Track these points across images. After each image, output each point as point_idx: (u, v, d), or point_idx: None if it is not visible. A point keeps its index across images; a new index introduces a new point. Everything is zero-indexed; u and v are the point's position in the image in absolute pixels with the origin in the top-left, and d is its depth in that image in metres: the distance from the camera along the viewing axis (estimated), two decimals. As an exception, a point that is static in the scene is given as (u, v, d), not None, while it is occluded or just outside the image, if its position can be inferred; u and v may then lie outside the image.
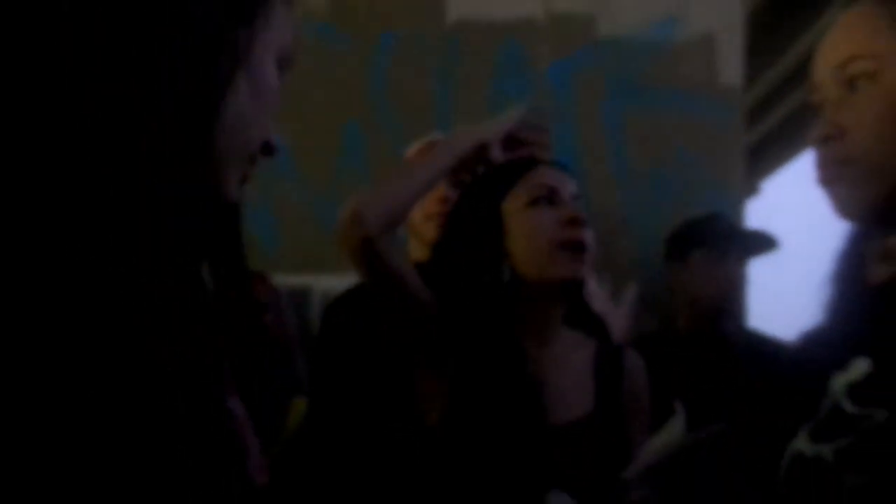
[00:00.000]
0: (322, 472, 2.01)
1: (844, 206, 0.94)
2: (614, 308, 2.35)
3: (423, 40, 2.78)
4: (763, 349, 2.42)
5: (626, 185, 2.71)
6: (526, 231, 1.57)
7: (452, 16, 2.79)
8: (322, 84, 2.69)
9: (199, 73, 0.68)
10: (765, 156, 7.51)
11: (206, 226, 0.74)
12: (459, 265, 1.61)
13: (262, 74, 0.75)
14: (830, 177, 0.93)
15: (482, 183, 1.68)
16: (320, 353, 2.21)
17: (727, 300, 2.45)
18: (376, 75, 2.75)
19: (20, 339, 0.59)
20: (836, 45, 0.95)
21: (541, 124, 1.70)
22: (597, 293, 2.06)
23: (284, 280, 2.53)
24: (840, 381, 0.92)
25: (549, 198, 1.58)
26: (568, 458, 1.49)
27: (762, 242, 2.51)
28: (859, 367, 0.92)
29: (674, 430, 1.44)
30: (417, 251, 2.16)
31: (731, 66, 2.81)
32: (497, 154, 1.61)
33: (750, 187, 7.39)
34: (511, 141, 1.63)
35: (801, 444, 0.92)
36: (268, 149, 0.80)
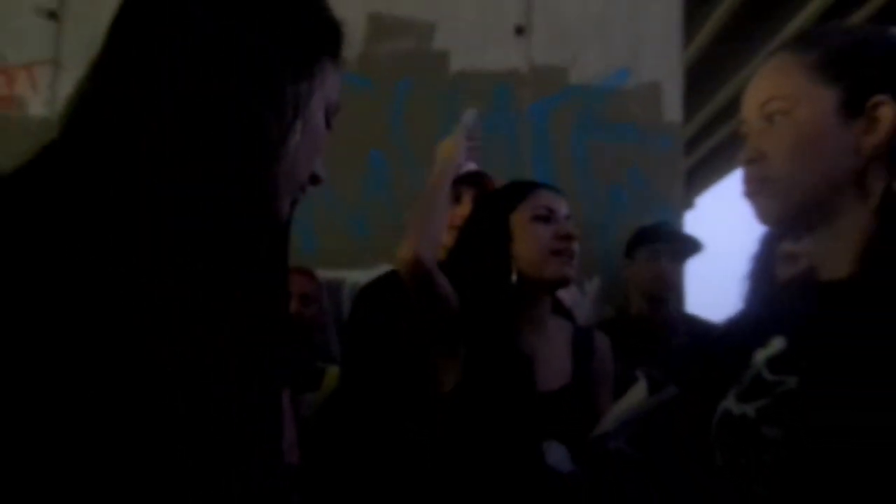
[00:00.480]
0: (353, 428, 1.99)
1: (764, 215, 0.93)
2: (581, 297, 2.36)
3: (432, 86, 2.78)
4: (698, 329, 2.42)
5: (590, 199, 2.70)
6: (528, 241, 1.59)
7: (455, 67, 2.80)
8: (352, 121, 2.66)
9: (271, 116, 0.68)
10: (698, 177, 7.51)
11: (260, 235, 0.68)
12: (475, 265, 1.62)
13: (314, 121, 0.75)
14: (753, 191, 0.93)
15: (494, 200, 1.71)
16: (351, 331, 2.21)
17: (663, 288, 2.44)
18: (395, 114, 2.75)
19: (21, 337, 0.54)
20: (759, 87, 0.94)
21: (475, 127, 1.83)
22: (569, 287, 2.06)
23: (323, 274, 2.54)
24: (760, 355, 0.92)
25: (547, 216, 1.60)
26: (552, 419, 1.50)
27: (690, 245, 2.52)
28: (776, 344, 0.91)
29: (637, 394, 1.46)
30: None
31: (672, 107, 2.81)
32: (462, 163, 1.76)
33: (687, 202, 7.38)
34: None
35: (730, 404, 0.91)
36: (315, 179, 0.80)
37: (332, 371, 2.31)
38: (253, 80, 0.67)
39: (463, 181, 2.07)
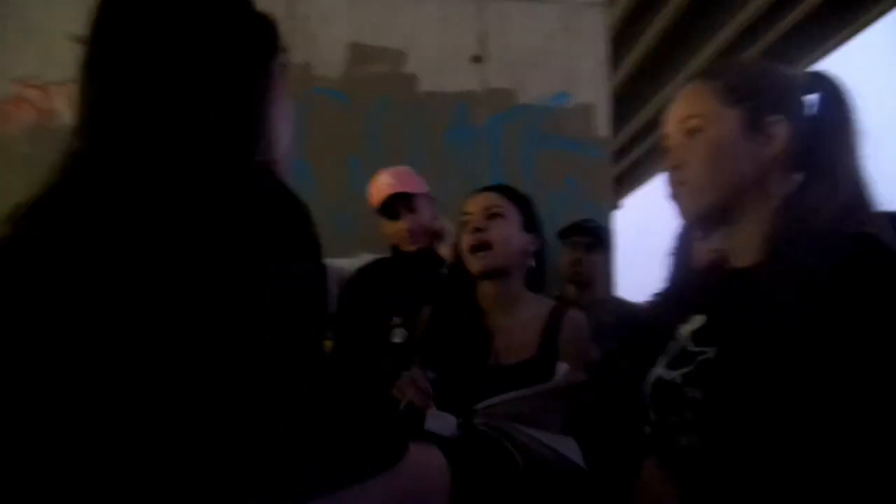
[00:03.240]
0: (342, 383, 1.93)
1: (683, 212, 0.95)
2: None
3: (403, 104, 2.74)
4: (623, 310, 2.43)
5: (535, 200, 2.69)
6: (459, 242, 1.57)
7: (422, 88, 2.77)
8: (335, 131, 2.65)
9: (250, 87, 0.67)
10: (624, 182, 7.59)
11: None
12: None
13: (284, 99, 0.74)
14: (674, 193, 0.95)
15: None
16: (340, 308, 2.16)
17: (579, 274, 2.44)
18: (372, 126, 2.71)
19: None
20: (679, 108, 0.95)
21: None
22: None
23: (309, 262, 2.49)
24: (685, 329, 0.93)
25: (465, 220, 1.56)
26: (506, 389, 1.37)
27: (601, 236, 2.52)
28: (697, 320, 0.92)
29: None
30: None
31: (602, 124, 2.82)
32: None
33: (615, 203, 7.46)
34: None
35: (660, 371, 0.92)
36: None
37: (326, 343, 2.26)
38: (236, 71, 0.67)
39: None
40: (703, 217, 0.94)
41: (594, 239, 2.48)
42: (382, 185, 2.08)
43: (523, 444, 1.31)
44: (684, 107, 0.94)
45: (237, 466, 0.48)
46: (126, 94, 0.62)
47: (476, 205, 1.57)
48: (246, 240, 0.54)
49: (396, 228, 2.04)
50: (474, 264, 1.51)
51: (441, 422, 1.34)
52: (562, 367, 1.39)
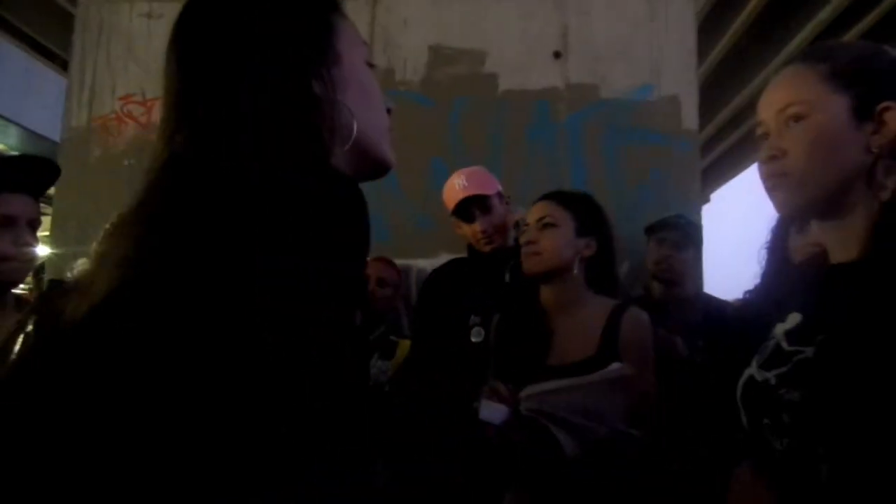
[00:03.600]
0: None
1: (783, 205, 0.89)
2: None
3: (483, 103, 2.76)
4: (713, 308, 2.34)
5: (619, 197, 2.63)
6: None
7: (503, 86, 2.77)
8: (417, 132, 2.69)
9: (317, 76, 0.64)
10: (713, 176, 7.33)
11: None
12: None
13: (360, 75, 0.70)
14: (773, 185, 0.89)
15: None
16: (419, 308, 2.20)
17: (665, 270, 2.34)
18: (453, 127, 2.74)
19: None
20: (777, 94, 0.90)
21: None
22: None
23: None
24: (780, 328, 0.89)
25: (524, 229, 1.67)
26: None
27: (691, 232, 2.40)
28: (793, 318, 0.88)
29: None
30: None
31: (689, 116, 2.73)
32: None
33: (703, 197, 7.21)
34: None
35: (753, 371, 0.88)
36: (389, 111, 0.76)
37: (404, 343, 2.31)
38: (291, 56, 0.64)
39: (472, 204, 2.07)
40: (804, 210, 0.89)
41: (682, 235, 2.40)
42: (455, 189, 2.11)
43: (575, 427, 1.34)
44: (784, 93, 0.89)
45: (237, 466, 0.47)
46: (202, 102, 0.64)
47: (532, 216, 1.66)
48: (249, 237, 0.53)
49: (471, 230, 2.07)
50: (526, 268, 1.63)
51: (493, 411, 1.41)
52: (615, 365, 1.42)
